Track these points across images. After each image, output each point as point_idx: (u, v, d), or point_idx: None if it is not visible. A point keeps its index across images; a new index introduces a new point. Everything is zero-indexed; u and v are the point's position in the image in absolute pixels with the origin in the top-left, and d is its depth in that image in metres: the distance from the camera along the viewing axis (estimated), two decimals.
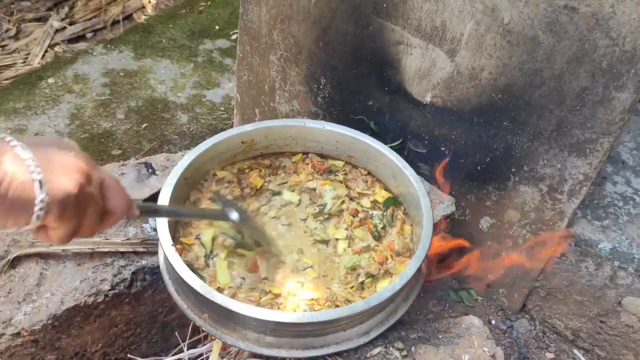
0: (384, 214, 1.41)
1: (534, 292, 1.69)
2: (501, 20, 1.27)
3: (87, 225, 0.77)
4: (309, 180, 1.47)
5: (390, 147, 1.45)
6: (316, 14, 1.58)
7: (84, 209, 0.75)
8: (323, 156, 1.53)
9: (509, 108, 1.38)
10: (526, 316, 1.75)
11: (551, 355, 1.68)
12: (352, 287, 1.26)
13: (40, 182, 0.67)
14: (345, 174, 1.49)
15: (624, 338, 1.56)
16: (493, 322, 1.73)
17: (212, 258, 1.28)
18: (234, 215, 1.22)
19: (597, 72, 1.21)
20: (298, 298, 1.23)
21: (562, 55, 1.23)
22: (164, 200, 1.22)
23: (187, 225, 1.32)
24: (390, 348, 1.20)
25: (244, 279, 1.25)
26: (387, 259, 1.32)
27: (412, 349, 1.20)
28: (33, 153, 0.68)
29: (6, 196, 0.65)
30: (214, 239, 1.30)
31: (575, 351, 1.69)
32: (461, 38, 1.35)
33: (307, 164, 1.50)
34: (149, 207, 1.07)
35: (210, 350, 1.38)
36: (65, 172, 0.71)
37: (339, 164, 1.51)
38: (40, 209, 0.68)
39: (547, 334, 1.73)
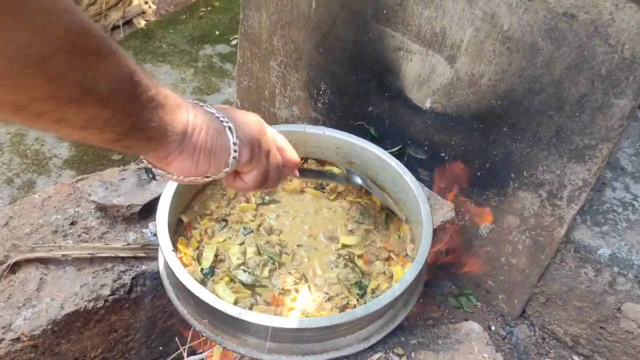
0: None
1: (533, 298, 1.69)
2: (500, 27, 1.28)
3: (272, 171, 0.89)
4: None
5: (390, 153, 1.46)
6: (316, 20, 1.59)
7: (266, 155, 0.87)
8: (322, 162, 1.54)
9: (508, 114, 1.38)
10: (526, 322, 1.75)
11: None
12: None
13: (229, 128, 0.78)
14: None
15: (623, 344, 1.56)
16: (493, 328, 1.73)
17: (210, 277, 1.22)
18: (358, 180, 1.34)
19: (596, 79, 1.22)
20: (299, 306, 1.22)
21: (562, 62, 1.24)
22: (164, 205, 1.22)
23: (186, 231, 1.32)
24: (390, 354, 1.20)
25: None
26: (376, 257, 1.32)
27: (412, 354, 1.20)
28: (217, 110, 0.80)
29: (206, 141, 0.75)
30: (216, 256, 1.25)
31: (575, 357, 1.69)
32: (461, 44, 1.36)
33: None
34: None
35: (211, 356, 1.38)
36: (248, 123, 0.83)
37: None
38: (235, 151, 0.79)
39: (547, 340, 1.73)
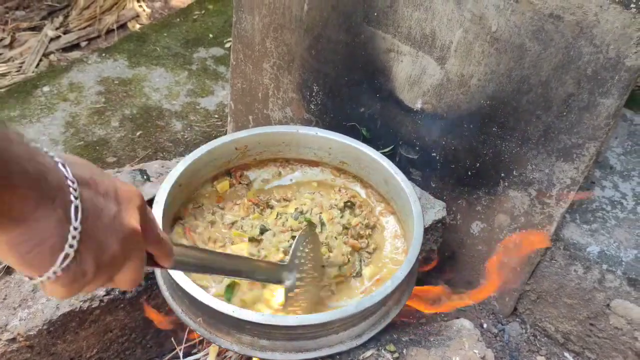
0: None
1: (524, 296, 1.71)
2: (489, 29, 1.30)
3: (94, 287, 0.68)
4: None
5: (382, 153, 1.48)
6: (308, 22, 1.61)
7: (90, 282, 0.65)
8: (314, 163, 1.55)
9: (497, 114, 1.41)
10: (517, 320, 1.77)
11: (542, 358, 1.70)
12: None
13: (66, 255, 0.57)
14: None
15: (613, 340, 1.58)
16: (485, 325, 1.75)
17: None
18: (288, 282, 1.12)
19: (582, 79, 1.24)
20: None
21: (549, 62, 1.26)
22: (158, 205, 1.23)
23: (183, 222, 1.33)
24: (382, 350, 1.22)
25: None
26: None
27: (404, 351, 1.22)
28: (84, 220, 0.59)
29: (29, 251, 0.56)
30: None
31: (566, 354, 1.71)
32: (450, 46, 1.38)
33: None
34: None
35: (207, 355, 1.39)
36: (96, 255, 0.62)
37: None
38: (48, 277, 0.58)
39: (538, 337, 1.75)
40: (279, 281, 1.13)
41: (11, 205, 0.52)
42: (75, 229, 0.58)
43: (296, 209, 1.40)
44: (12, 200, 0.52)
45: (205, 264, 0.94)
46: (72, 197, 0.58)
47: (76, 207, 0.58)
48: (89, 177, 0.62)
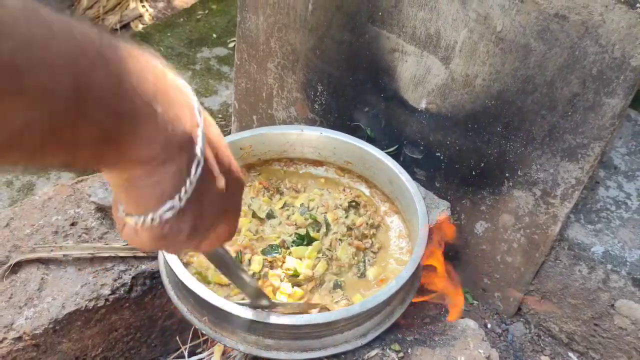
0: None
1: (528, 296, 1.71)
2: (494, 28, 1.30)
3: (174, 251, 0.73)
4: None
5: (387, 153, 1.48)
6: (313, 22, 1.61)
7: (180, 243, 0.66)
8: (319, 162, 1.56)
9: (502, 114, 1.41)
10: (521, 319, 1.77)
11: (546, 359, 1.70)
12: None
13: (180, 209, 0.56)
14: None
15: (617, 341, 1.58)
16: (489, 325, 1.75)
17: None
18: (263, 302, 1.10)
19: (587, 79, 1.24)
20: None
21: (554, 62, 1.26)
22: None
23: None
24: (387, 350, 1.22)
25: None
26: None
27: (409, 350, 1.22)
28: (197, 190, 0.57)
29: (142, 185, 0.54)
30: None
31: (570, 354, 1.71)
32: (455, 46, 1.38)
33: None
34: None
35: (211, 354, 1.39)
36: (205, 224, 0.61)
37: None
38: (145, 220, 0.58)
39: (542, 337, 1.75)
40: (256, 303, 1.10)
41: (139, 146, 0.50)
42: (190, 183, 0.55)
43: (302, 204, 1.40)
44: (140, 142, 0.50)
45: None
46: (198, 152, 0.55)
47: (198, 163, 0.56)
48: (216, 139, 0.60)
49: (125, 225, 0.60)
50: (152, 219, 0.55)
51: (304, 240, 1.30)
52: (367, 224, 1.39)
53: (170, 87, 0.54)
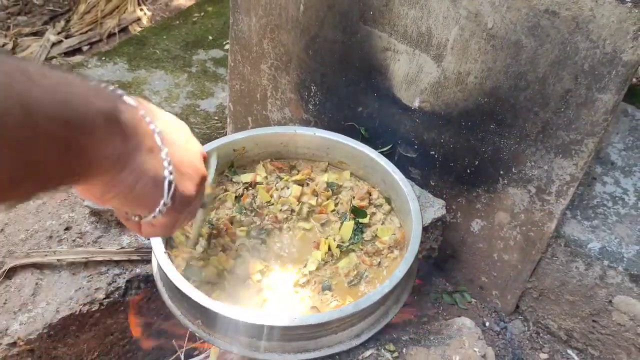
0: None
1: (526, 293, 1.70)
2: (485, 25, 1.30)
3: (186, 218, 0.78)
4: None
5: (381, 152, 1.48)
6: (305, 22, 1.60)
7: (190, 205, 0.73)
8: (313, 162, 1.55)
9: (495, 111, 1.40)
10: (519, 317, 1.77)
11: (545, 356, 1.69)
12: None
13: (170, 182, 0.63)
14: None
15: (616, 337, 1.57)
16: (487, 323, 1.74)
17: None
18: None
19: (579, 75, 1.24)
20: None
21: (545, 58, 1.26)
22: None
23: None
24: (382, 350, 1.21)
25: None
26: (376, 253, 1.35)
27: (404, 350, 1.22)
28: (168, 147, 0.62)
29: (134, 188, 0.60)
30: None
31: (569, 351, 1.70)
32: (446, 43, 1.38)
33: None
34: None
35: (207, 357, 1.39)
36: (191, 176, 0.69)
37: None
38: (160, 211, 0.65)
39: (541, 334, 1.74)
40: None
41: (102, 146, 0.53)
42: (166, 154, 0.61)
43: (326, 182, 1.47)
44: (101, 144, 0.53)
45: None
46: (151, 126, 0.60)
47: (159, 133, 0.61)
48: (148, 108, 0.64)
49: (141, 227, 0.67)
50: (165, 204, 0.63)
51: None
52: (389, 246, 1.36)
53: (100, 89, 0.57)
